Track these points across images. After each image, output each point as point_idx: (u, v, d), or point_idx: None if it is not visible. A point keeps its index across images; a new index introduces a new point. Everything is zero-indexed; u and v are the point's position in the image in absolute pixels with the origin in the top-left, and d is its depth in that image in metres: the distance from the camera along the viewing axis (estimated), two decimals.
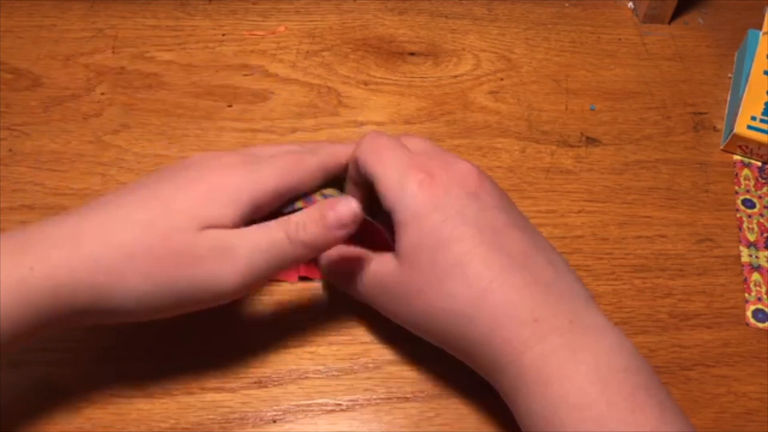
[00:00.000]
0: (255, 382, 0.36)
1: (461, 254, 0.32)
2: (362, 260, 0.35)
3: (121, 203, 0.32)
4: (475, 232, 0.32)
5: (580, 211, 0.44)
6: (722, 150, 0.47)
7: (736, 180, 0.46)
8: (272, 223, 0.33)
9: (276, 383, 0.36)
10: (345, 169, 0.38)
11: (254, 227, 0.33)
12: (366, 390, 0.36)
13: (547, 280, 0.32)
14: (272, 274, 0.33)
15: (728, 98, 0.50)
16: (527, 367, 0.30)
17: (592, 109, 0.49)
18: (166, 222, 0.31)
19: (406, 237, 0.33)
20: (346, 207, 0.33)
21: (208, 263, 0.31)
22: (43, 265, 0.29)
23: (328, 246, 0.33)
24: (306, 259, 0.34)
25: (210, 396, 0.36)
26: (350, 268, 0.36)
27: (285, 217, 0.33)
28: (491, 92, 0.49)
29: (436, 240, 0.32)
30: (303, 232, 0.32)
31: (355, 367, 0.37)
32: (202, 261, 0.31)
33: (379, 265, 0.34)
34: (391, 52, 0.51)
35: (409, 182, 0.33)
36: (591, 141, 0.47)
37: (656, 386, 0.30)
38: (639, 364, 0.30)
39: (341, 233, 0.33)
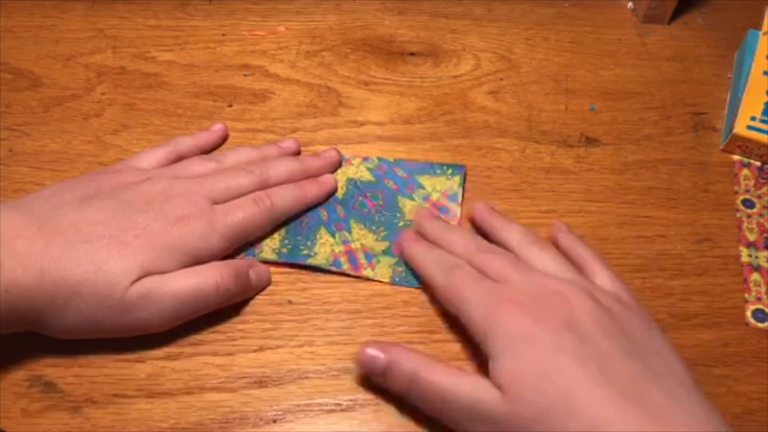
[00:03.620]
0: (255, 382, 0.36)
1: (565, 387, 0.30)
2: (454, 379, 0.33)
3: (88, 236, 0.34)
4: (575, 363, 0.30)
5: (579, 211, 0.44)
6: (722, 150, 0.47)
7: (735, 180, 0.46)
8: (204, 272, 0.36)
9: (276, 383, 0.37)
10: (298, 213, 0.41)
11: (187, 273, 0.36)
12: (366, 390, 0.36)
13: (661, 413, 0.29)
14: (198, 314, 0.37)
15: (728, 98, 0.50)
16: None
17: (592, 109, 0.49)
18: (112, 268, 0.34)
19: (505, 367, 0.31)
20: (265, 269, 0.39)
21: (137, 310, 0.34)
22: (15, 290, 0.32)
23: (248, 296, 0.39)
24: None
25: (210, 396, 0.36)
26: (437, 386, 0.33)
27: (215, 268, 0.37)
28: (491, 92, 0.49)
29: (537, 371, 0.30)
30: (227, 289, 0.37)
31: (355, 367, 0.37)
32: (131, 309, 0.34)
33: (478, 391, 0.32)
34: (391, 52, 0.51)
35: (497, 315, 0.32)
36: (591, 141, 0.47)
37: None
38: None
39: (261, 289, 0.39)
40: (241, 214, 0.38)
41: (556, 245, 0.39)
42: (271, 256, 0.40)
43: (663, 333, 0.34)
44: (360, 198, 0.43)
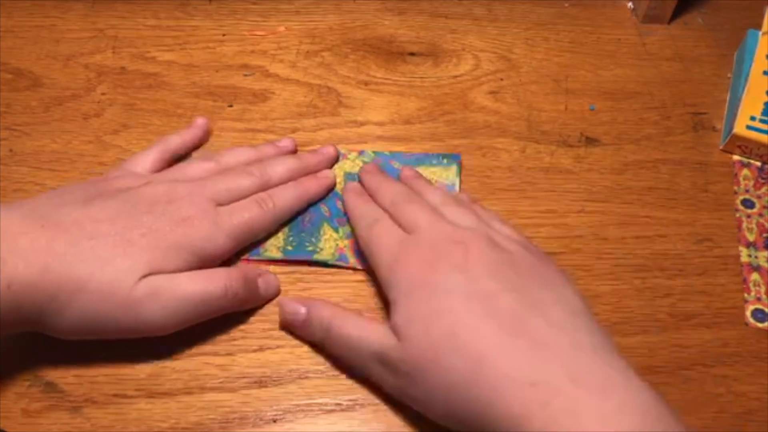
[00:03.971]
0: (255, 382, 0.36)
1: (451, 325, 0.31)
2: (362, 331, 0.35)
3: (93, 234, 0.34)
4: (461, 303, 0.32)
5: (580, 211, 0.44)
6: (721, 150, 0.47)
7: (735, 180, 0.46)
8: (213, 275, 0.36)
9: (276, 383, 0.37)
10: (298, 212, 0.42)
11: (195, 274, 0.36)
12: (366, 390, 0.37)
13: (544, 341, 0.30)
14: (203, 318, 0.36)
15: (728, 98, 0.50)
16: None
17: (592, 109, 0.49)
18: (119, 264, 0.34)
19: (398, 313, 0.33)
20: (274, 279, 0.39)
21: (143, 309, 0.34)
22: (17, 287, 0.32)
23: (256, 304, 0.39)
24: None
25: (210, 396, 0.36)
26: (348, 338, 0.35)
27: (224, 272, 0.37)
28: (491, 92, 0.49)
29: (425, 311, 0.32)
30: (236, 293, 0.36)
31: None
32: (136, 307, 0.34)
33: (380, 339, 0.34)
34: (391, 52, 0.51)
35: (398, 265, 0.34)
36: (591, 141, 0.47)
37: None
38: (653, 420, 0.28)
39: (269, 299, 0.39)
40: (246, 214, 0.38)
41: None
42: (277, 254, 0.40)
43: (557, 266, 0.36)
44: None
